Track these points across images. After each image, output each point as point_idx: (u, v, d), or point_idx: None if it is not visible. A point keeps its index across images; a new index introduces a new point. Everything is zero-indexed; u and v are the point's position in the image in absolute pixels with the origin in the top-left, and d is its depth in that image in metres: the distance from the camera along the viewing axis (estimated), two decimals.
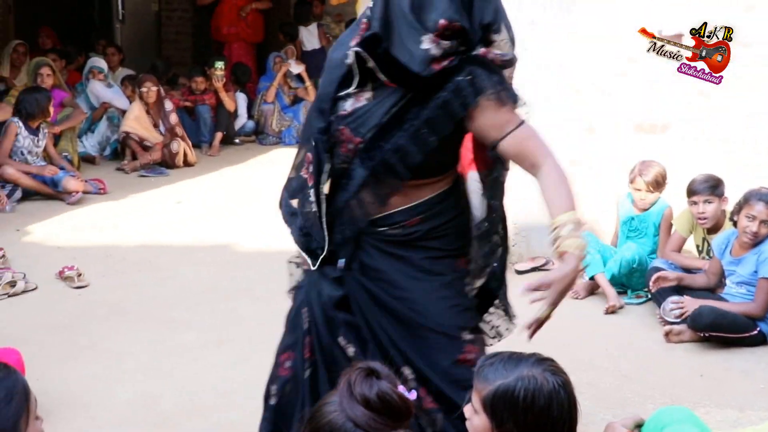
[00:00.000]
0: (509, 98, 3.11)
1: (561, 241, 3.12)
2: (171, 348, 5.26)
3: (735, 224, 5.75)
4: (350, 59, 3.13)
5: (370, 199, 3.18)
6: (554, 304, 3.18)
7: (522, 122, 3.18)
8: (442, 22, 2.96)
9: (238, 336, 5.48)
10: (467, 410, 2.74)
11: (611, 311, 6.16)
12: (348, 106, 3.19)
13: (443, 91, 3.04)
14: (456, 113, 3.07)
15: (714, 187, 6.04)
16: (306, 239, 3.34)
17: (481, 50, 3.07)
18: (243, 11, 12.66)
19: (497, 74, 3.11)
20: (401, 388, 2.26)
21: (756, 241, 5.59)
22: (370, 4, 3.22)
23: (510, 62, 3.21)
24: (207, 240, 7.35)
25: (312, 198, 3.24)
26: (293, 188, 3.50)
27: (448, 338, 3.31)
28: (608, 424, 2.95)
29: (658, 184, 6.35)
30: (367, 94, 3.20)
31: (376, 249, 3.29)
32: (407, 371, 3.24)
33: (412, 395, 2.28)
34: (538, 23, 6.72)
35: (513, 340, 4.97)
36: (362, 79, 3.18)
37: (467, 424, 2.74)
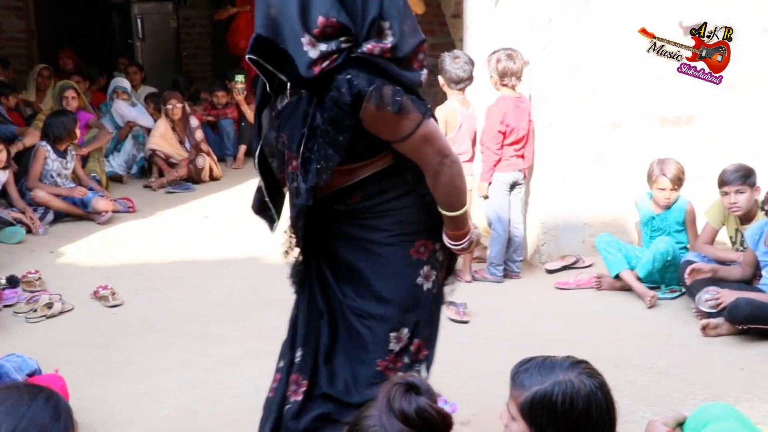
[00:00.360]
0: (392, 103, 3.03)
1: None
2: (206, 362, 5.28)
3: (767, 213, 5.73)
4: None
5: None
6: None
7: (412, 132, 3.13)
8: (320, 19, 2.95)
9: (270, 347, 5.41)
10: (504, 417, 2.74)
11: (652, 304, 6.15)
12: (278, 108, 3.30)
13: (331, 91, 3.04)
14: (346, 111, 3.05)
15: (746, 176, 6.00)
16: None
17: (367, 46, 3.01)
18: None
19: (384, 74, 3.06)
20: (441, 401, 2.26)
21: None
22: None
23: (395, 49, 3.07)
24: (235, 253, 7.37)
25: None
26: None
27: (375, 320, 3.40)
28: (649, 422, 2.95)
29: (680, 180, 6.34)
30: (287, 99, 3.26)
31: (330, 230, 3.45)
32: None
33: (453, 408, 2.27)
34: (557, 22, 6.70)
35: (549, 344, 5.03)
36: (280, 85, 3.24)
37: (504, 431, 2.74)
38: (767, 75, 7.00)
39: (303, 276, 3.69)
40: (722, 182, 6.09)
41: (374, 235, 3.38)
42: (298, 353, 3.65)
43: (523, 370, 2.73)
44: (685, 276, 5.98)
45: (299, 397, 3.48)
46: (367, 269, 3.40)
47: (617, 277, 6.38)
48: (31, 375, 4.37)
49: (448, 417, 2.27)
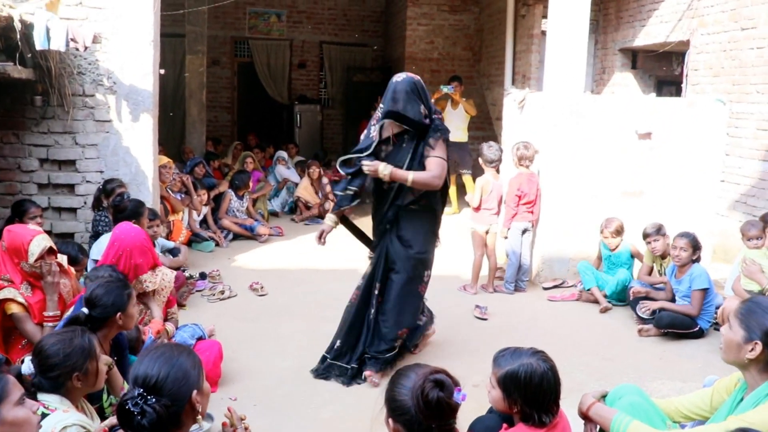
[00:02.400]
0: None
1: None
2: (315, 334, 5.27)
3: None
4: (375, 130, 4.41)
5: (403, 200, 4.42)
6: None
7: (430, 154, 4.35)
8: (423, 109, 4.32)
9: None
10: (488, 386, 2.70)
11: (604, 311, 6.03)
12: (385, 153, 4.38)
13: (431, 133, 4.32)
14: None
15: (658, 230, 5.90)
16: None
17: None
18: None
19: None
20: (456, 390, 2.25)
21: (682, 263, 5.39)
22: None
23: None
24: (342, 265, 7.36)
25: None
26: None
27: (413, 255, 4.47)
28: (583, 395, 2.86)
29: (618, 232, 6.20)
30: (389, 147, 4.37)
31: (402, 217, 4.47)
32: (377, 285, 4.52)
33: (463, 397, 2.26)
34: (559, 126, 6.61)
35: (540, 335, 4.91)
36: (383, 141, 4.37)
37: (488, 395, 2.70)
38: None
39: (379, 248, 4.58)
40: (645, 235, 5.99)
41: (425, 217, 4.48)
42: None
43: (500, 355, 2.71)
44: (630, 293, 5.84)
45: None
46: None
47: (589, 290, 6.22)
48: (199, 339, 4.41)
49: (455, 406, 2.24)
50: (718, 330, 5.32)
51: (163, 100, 7.24)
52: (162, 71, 6.66)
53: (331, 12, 15.45)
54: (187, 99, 12.17)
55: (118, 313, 3.28)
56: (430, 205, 4.51)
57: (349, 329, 4.56)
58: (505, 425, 2.68)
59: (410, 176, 4.25)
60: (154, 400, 2.07)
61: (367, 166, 4.27)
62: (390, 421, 2.25)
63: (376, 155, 4.35)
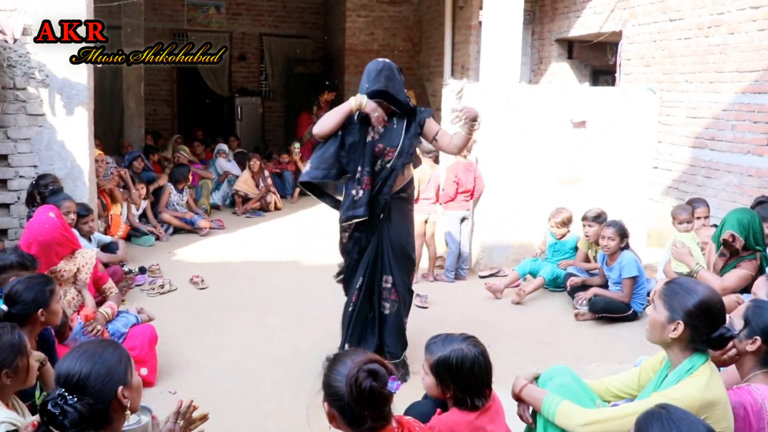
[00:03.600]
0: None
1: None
2: (257, 327, 5.27)
3: None
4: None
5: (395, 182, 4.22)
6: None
7: (438, 130, 4.34)
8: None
9: (300, 320, 5.47)
10: (421, 372, 2.72)
11: (521, 296, 6.10)
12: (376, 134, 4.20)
13: (419, 113, 4.27)
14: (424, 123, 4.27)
15: (597, 216, 5.99)
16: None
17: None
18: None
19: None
20: (391, 379, 2.23)
21: (611, 252, 5.54)
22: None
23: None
24: (286, 258, 7.35)
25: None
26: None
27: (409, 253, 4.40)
28: (516, 377, 2.90)
29: (564, 223, 6.32)
30: (379, 129, 4.20)
31: (393, 206, 4.28)
32: (389, 279, 4.30)
33: (397, 386, 2.23)
34: (495, 115, 6.68)
35: (478, 322, 4.96)
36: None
37: (421, 382, 2.71)
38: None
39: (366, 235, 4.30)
40: (583, 218, 6.11)
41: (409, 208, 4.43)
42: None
43: (432, 342, 2.73)
44: (567, 284, 5.94)
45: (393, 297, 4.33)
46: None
47: (524, 278, 6.40)
48: (133, 325, 4.35)
49: (388, 395, 2.21)
50: None
51: (100, 93, 7.07)
52: (99, 64, 6.49)
53: (271, 4, 15.28)
54: (125, 92, 11.90)
55: (40, 310, 3.17)
56: (411, 193, 4.47)
57: (353, 330, 4.37)
58: (438, 410, 2.70)
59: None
60: (75, 399, 2.02)
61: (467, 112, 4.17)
62: (326, 404, 2.25)
63: (363, 138, 4.18)
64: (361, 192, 4.17)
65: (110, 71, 12.33)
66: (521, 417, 2.81)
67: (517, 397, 2.81)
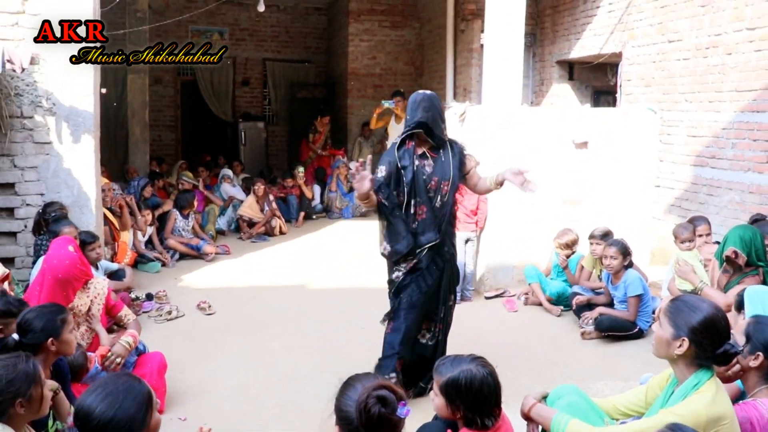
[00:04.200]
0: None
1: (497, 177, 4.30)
2: (261, 351, 5.29)
3: None
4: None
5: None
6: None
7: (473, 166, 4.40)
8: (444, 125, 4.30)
9: (303, 343, 5.49)
10: (431, 394, 2.74)
11: (559, 315, 6.22)
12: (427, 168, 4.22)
13: (456, 146, 4.33)
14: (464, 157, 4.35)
15: (604, 235, 6.03)
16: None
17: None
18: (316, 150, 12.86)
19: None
20: (401, 405, 2.25)
21: (615, 271, 5.57)
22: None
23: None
24: (290, 282, 7.37)
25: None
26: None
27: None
28: (525, 396, 2.92)
29: (568, 246, 6.35)
30: (430, 162, 4.23)
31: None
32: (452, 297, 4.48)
33: (407, 412, 2.27)
34: (496, 137, 6.74)
35: (485, 341, 4.98)
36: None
37: (432, 402, 2.74)
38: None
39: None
40: (590, 236, 6.14)
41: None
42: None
43: (441, 363, 2.75)
44: (573, 303, 5.96)
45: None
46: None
47: (530, 285, 6.49)
48: (140, 354, 4.35)
49: (397, 422, 2.24)
50: None
51: (105, 120, 7.14)
52: (103, 90, 6.56)
53: (274, 29, 15.46)
54: (130, 118, 12.02)
55: (50, 339, 3.17)
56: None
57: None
58: (449, 431, 2.72)
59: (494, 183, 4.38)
60: None
61: None
62: (337, 429, 2.27)
63: (416, 172, 4.18)
64: (416, 222, 4.20)
65: (115, 97, 12.47)
66: None
67: (527, 417, 2.83)
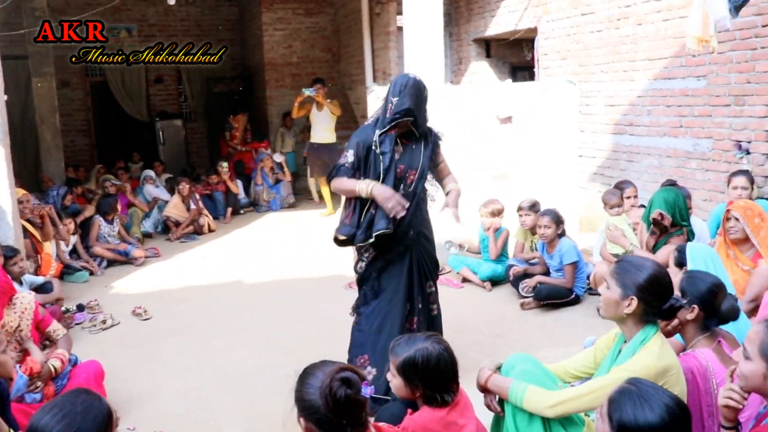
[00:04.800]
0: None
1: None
2: (204, 351, 5.22)
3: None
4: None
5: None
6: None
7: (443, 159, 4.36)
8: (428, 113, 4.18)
9: (246, 339, 5.44)
10: (389, 375, 2.77)
11: (490, 290, 6.33)
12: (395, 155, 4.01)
13: (432, 135, 4.22)
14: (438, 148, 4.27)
15: (532, 206, 6.19)
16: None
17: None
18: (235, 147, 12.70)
19: None
20: (364, 385, 2.27)
21: (550, 240, 5.73)
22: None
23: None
24: (224, 280, 7.28)
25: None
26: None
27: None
28: (480, 368, 2.99)
29: (494, 214, 6.46)
30: (399, 148, 4.05)
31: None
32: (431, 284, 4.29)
33: (371, 391, 2.29)
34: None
35: None
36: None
37: (390, 384, 2.77)
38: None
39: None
40: (518, 208, 6.28)
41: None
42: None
43: (396, 344, 2.78)
44: (510, 274, 6.10)
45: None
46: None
47: (458, 272, 6.62)
48: (74, 365, 4.21)
49: (363, 402, 2.25)
50: (593, 294, 5.73)
51: (11, 127, 6.82)
52: (5, 97, 6.28)
53: (184, 23, 15.06)
54: (39, 124, 11.53)
55: None
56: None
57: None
58: (409, 410, 2.76)
59: (458, 185, 4.33)
60: None
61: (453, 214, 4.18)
62: (302, 420, 2.27)
63: (389, 159, 3.99)
64: (375, 208, 3.98)
65: (19, 103, 11.94)
66: (489, 407, 2.89)
67: (483, 388, 2.90)
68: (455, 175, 4.44)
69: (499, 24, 10.08)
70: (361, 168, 4.04)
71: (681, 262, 3.58)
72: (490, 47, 11.11)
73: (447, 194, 4.29)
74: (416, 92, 4.00)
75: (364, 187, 3.93)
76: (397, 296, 4.10)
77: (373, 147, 3.99)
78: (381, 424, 2.45)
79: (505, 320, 5.57)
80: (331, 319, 5.57)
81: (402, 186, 4.02)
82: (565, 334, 5.14)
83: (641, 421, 1.99)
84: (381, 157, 3.96)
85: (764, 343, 2.15)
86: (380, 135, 3.98)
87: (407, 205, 3.94)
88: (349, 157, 4.07)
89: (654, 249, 5.00)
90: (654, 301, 2.59)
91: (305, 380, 2.30)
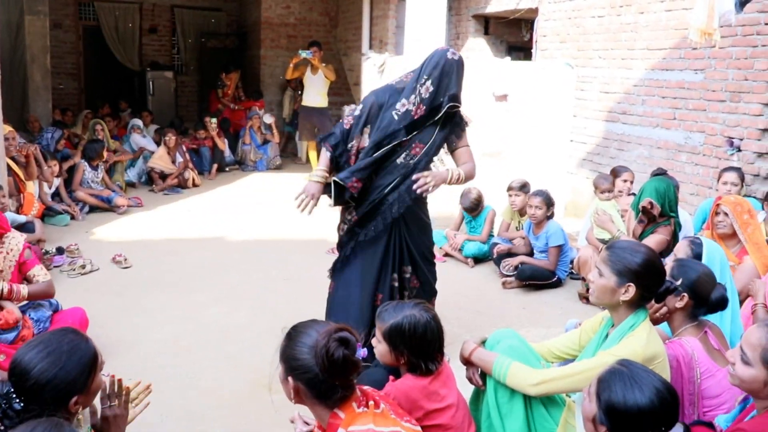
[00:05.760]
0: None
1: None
2: (186, 305, 5.17)
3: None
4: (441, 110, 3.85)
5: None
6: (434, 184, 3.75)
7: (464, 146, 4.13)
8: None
9: (229, 295, 5.39)
10: (374, 341, 2.73)
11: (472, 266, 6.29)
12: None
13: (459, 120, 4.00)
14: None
15: (522, 186, 6.15)
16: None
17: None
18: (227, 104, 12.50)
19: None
20: (357, 351, 2.23)
21: (538, 221, 5.70)
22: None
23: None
24: (208, 234, 7.21)
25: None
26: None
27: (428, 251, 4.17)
28: (464, 342, 2.96)
29: (475, 202, 6.42)
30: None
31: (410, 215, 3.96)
32: (408, 269, 4.02)
33: (363, 353, 2.26)
34: None
35: None
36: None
37: (375, 350, 2.73)
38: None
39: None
40: (509, 188, 6.24)
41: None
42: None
43: (383, 309, 2.74)
44: (494, 251, 6.08)
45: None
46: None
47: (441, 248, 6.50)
48: (55, 311, 4.13)
49: (358, 363, 2.22)
50: (574, 279, 5.73)
51: (1, 64, 6.64)
52: None
53: None
54: (29, 64, 11.27)
55: None
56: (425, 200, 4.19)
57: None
58: (391, 377, 2.73)
59: (462, 173, 3.94)
60: (21, 405, 1.91)
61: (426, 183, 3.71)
62: (290, 379, 2.21)
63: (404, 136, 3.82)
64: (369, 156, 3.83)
65: (9, 40, 11.65)
66: (470, 380, 2.87)
67: (467, 361, 2.87)
68: (471, 168, 4.05)
69: (500, 1, 9.95)
70: (367, 127, 3.91)
71: (698, 255, 3.53)
72: (488, 24, 10.97)
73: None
74: (459, 75, 3.84)
75: (313, 175, 3.98)
76: (368, 273, 3.94)
77: (385, 106, 3.89)
78: (365, 387, 2.41)
79: (486, 297, 5.56)
80: (314, 282, 5.53)
81: (405, 155, 3.87)
82: (545, 315, 5.14)
83: (630, 403, 1.97)
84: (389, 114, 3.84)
85: (766, 351, 2.12)
86: (399, 107, 3.84)
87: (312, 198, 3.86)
88: (356, 111, 3.98)
89: (640, 237, 4.98)
90: (651, 285, 2.57)
91: (296, 338, 2.25)
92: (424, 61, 3.92)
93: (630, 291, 2.56)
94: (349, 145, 3.96)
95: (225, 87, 12.46)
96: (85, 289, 5.41)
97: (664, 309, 2.89)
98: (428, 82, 3.82)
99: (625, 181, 6.00)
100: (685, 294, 2.86)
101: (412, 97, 3.86)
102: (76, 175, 8.06)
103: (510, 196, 6.23)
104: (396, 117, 3.85)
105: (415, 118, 3.84)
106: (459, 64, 3.85)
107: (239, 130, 11.58)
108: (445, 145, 4.03)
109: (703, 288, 2.87)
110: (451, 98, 3.80)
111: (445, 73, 3.81)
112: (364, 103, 4.00)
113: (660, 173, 5.66)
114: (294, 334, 2.26)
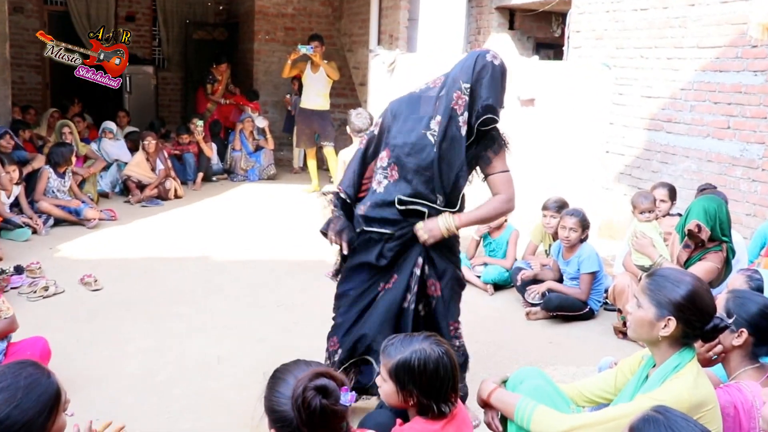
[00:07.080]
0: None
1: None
2: (164, 334, 5.18)
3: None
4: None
5: None
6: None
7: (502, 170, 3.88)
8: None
9: (213, 324, 5.41)
10: (378, 380, 2.73)
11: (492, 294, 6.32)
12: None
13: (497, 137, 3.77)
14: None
15: (560, 207, 6.13)
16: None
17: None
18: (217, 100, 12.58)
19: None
20: (343, 390, 2.22)
21: (571, 245, 5.70)
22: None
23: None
24: (190, 253, 7.25)
25: None
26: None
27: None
28: (482, 381, 2.97)
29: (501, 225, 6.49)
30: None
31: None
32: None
33: (352, 398, 2.25)
34: None
35: None
36: None
37: (380, 390, 2.73)
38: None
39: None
40: (544, 207, 6.22)
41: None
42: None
43: (389, 344, 2.74)
44: (518, 278, 6.08)
45: None
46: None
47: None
48: (10, 340, 4.14)
49: (341, 412, 2.21)
50: (609, 310, 5.72)
51: None
52: None
53: None
54: None
55: None
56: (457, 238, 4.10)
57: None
58: (399, 421, 2.73)
59: (480, 214, 3.90)
60: None
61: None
62: (273, 431, 2.24)
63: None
64: (384, 183, 3.73)
65: None
66: (489, 425, 2.87)
67: (485, 403, 2.87)
68: (497, 204, 3.89)
69: None
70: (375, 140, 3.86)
71: (759, 287, 3.51)
72: (514, 18, 11.04)
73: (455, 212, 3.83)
74: (502, 85, 3.68)
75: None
76: (369, 286, 3.87)
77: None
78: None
79: (508, 329, 5.57)
80: (308, 309, 5.56)
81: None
82: (576, 352, 5.14)
83: None
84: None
85: None
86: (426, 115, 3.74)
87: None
88: (374, 130, 3.91)
89: (686, 264, 4.97)
90: (695, 321, 2.55)
91: (275, 387, 2.27)
92: (456, 66, 3.78)
93: (670, 326, 2.55)
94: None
95: (216, 82, 12.49)
96: (48, 315, 5.43)
97: (719, 347, 2.88)
98: (460, 93, 3.67)
99: (663, 200, 5.97)
100: (744, 330, 2.85)
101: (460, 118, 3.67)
102: (39, 183, 8.11)
103: (545, 216, 6.22)
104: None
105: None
106: (502, 69, 3.70)
107: (223, 134, 11.65)
108: (478, 168, 3.83)
109: (766, 323, 2.85)
110: (486, 110, 3.62)
111: (486, 82, 3.63)
112: (381, 116, 3.94)
113: (706, 188, 5.66)
114: (273, 382, 2.29)
